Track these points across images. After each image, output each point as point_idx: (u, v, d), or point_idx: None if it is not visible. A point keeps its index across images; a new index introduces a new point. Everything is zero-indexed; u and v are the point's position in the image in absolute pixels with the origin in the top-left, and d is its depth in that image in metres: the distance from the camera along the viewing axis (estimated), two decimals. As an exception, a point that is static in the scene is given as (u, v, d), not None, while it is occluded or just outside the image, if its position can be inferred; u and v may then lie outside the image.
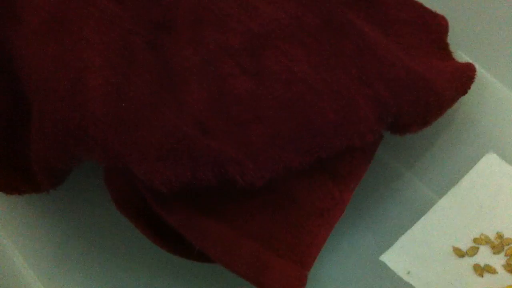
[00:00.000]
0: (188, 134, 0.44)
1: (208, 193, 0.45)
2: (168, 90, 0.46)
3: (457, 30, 0.57)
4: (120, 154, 0.42)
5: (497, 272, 0.49)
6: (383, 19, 0.54)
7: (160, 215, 0.44)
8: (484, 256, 0.50)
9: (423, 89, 0.49)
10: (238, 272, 0.45)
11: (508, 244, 0.50)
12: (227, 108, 0.46)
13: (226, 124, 0.45)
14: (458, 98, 0.53)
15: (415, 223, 0.51)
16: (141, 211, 0.46)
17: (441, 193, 0.52)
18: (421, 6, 0.56)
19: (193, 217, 0.44)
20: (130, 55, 0.46)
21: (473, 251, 0.50)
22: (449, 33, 0.57)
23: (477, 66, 0.54)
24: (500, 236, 0.50)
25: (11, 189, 0.47)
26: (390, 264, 0.49)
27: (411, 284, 0.48)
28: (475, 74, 0.54)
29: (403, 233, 0.50)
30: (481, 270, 0.49)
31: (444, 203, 0.52)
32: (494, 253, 0.50)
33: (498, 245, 0.50)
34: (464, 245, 0.50)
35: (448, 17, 0.57)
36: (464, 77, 0.53)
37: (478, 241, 0.50)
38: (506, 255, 0.50)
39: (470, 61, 0.56)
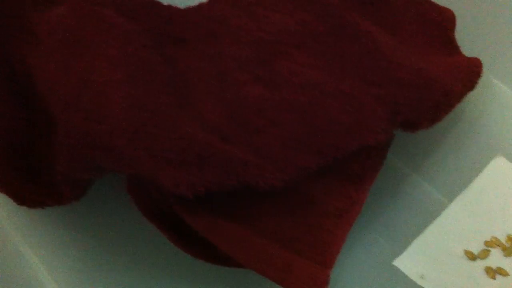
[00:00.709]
0: (209, 141, 0.45)
1: (230, 198, 0.46)
2: (186, 101, 0.48)
3: (461, 33, 0.57)
4: (146, 162, 0.44)
5: (509, 275, 0.50)
6: (391, 20, 0.55)
7: (186, 220, 0.45)
8: (496, 258, 0.50)
9: (432, 87, 0.50)
10: (264, 273, 0.46)
11: (519, 246, 0.51)
12: (243, 115, 0.47)
13: (244, 131, 0.47)
14: (466, 93, 0.54)
15: (426, 227, 0.51)
16: (166, 217, 0.47)
17: (451, 197, 0.53)
18: (428, 2, 0.57)
19: (217, 221, 0.46)
20: (147, 68, 0.48)
21: (484, 254, 0.50)
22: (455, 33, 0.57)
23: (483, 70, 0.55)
24: (510, 238, 0.51)
25: (34, 203, 0.48)
26: (403, 269, 0.50)
27: (424, 288, 0.49)
28: (481, 69, 0.54)
29: (415, 237, 0.51)
30: (493, 272, 0.50)
31: (454, 207, 0.52)
32: (505, 256, 0.50)
33: (509, 247, 0.51)
34: (476, 248, 0.51)
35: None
36: (471, 72, 0.54)
37: (489, 244, 0.51)
38: (517, 257, 0.50)
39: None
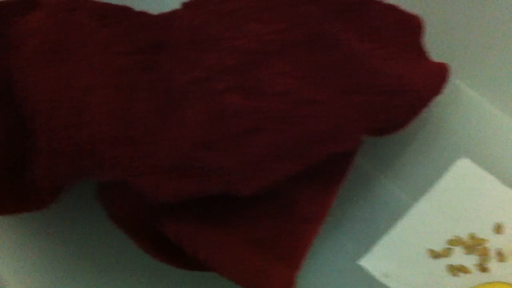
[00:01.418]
0: (190, 148, 0.46)
1: (210, 204, 0.47)
2: (168, 108, 0.49)
3: (429, 39, 0.59)
4: (127, 168, 0.45)
5: (470, 272, 0.52)
6: (369, 26, 0.56)
7: (159, 227, 0.46)
8: (458, 256, 0.52)
9: (404, 93, 0.52)
10: (237, 279, 0.47)
11: (480, 244, 0.52)
12: (225, 122, 0.49)
13: (225, 137, 0.48)
14: (433, 98, 0.55)
15: (391, 227, 0.53)
16: (138, 225, 0.48)
17: (416, 197, 0.54)
18: (396, 8, 0.58)
19: (190, 227, 0.47)
20: (128, 75, 0.49)
21: (447, 252, 0.52)
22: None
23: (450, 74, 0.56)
24: (473, 237, 0.53)
25: (12, 210, 0.49)
26: (369, 268, 0.51)
27: (389, 287, 0.51)
28: (448, 74, 0.56)
29: (380, 237, 0.53)
30: (455, 270, 0.52)
31: (419, 207, 0.54)
32: (467, 254, 0.52)
33: (471, 245, 0.52)
34: (439, 247, 0.52)
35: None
36: (438, 77, 0.55)
37: (452, 242, 0.53)
38: (479, 255, 0.52)
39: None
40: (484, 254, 0.52)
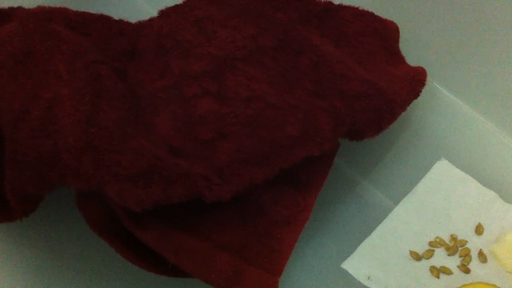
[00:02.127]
0: (157, 155, 0.46)
1: (180, 210, 0.47)
2: (137, 114, 0.49)
3: (404, 41, 0.59)
4: (93, 177, 0.44)
5: (452, 273, 0.52)
6: (336, 32, 0.57)
7: (134, 233, 0.46)
8: (440, 258, 0.52)
9: (375, 97, 0.52)
10: (212, 283, 0.47)
11: (462, 246, 0.53)
12: (193, 128, 0.48)
13: (193, 143, 0.48)
14: (410, 102, 0.56)
15: (373, 230, 0.53)
16: (115, 231, 0.48)
17: (397, 200, 0.55)
18: (371, 15, 0.59)
19: (166, 233, 0.46)
20: (99, 84, 0.49)
21: (429, 254, 0.52)
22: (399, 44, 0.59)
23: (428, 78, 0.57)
24: (454, 238, 0.53)
25: None
26: (351, 271, 0.52)
27: (371, 289, 0.51)
28: (426, 78, 0.57)
29: (362, 240, 0.53)
30: (437, 271, 0.52)
31: (400, 209, 0.54)
32: (449, 255, 0.52)
33: (453, 247, 0.53)
34: (421, 249, 0.53)
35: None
36: (415, 81, 0.56)
37: (434, 244, 0.53)
38: (460, 256, 0.52)
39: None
40: (465, 255, 0.52)
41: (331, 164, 0.52)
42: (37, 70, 0.48)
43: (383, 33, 0.58)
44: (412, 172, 0.56)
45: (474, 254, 0.52)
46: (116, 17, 0.56)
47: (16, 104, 0.46)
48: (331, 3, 0.58)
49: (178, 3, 0.56)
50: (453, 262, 0.52)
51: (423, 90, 0.56)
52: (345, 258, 0.52)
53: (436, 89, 0.60)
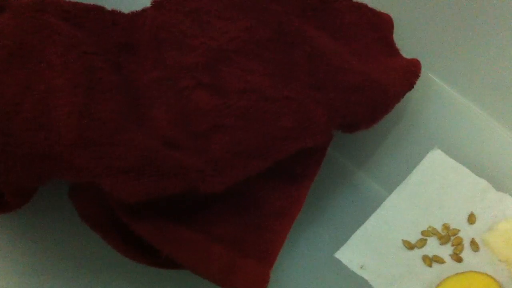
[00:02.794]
0: (151, 146, 0.46)
1: (174, 202, 0.47)
2: (132, 107, 0.49)
3: (400, 36, 0.59)
4: (87, 169, 0.45)
5: (445, 262, 0.52)
6: (332, 24, 0.57)
7: (129, 225, 0.46)
8: (433, 247, 0.53)
9: (370, 89, 0.52)
10: (206, 275, 0.47)
11: (454, 235, 0.53)
12: (188, 121, 0.48)
13: (187, 135, 0.48)
14: (404, 94, 0.56)
15: (367, 219, 0.54)
16: (108, 223, 0.48)
17: (391, 190, 0.55)
18: (365, 7, 0.59)
19: (160, 225, 0.47)
20: (92, 76, 0.49)
21: (421, 243, 0.53)
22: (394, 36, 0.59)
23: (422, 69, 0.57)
24: (446, 227, 0.53)
25: None
26: (344, 260, 0.52)
27: (364, 278, 0.51)
28: (420, 70, 0.56)
29: (356, 230, 0.53)
30: (429, 260, 0.52)
31: (393, 198, 0.55)
32: (441, 244, 0.53)
33: (445, 236, 0.53)
34: (414, 238, 0.53)
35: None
36: (409, 72, 0.56)
37: (426, 233, 0.53)
38: (452, 245, 0.53)
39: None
40: (458, 244, 0.53)
41: (324, 156, 0.52)
42: (29, 61, 0.48)
43: (378, 25, 0.58)
44: (406, 162, 0.56)
45: (466, 243, 0.53)
46: (108, 7, 0.56)
47: (8, 96, 0.46)
48: None
49: (172, -6, 0.56)
50: (445, 251, 0.53)
51: (420, 82, 0.56)
52: (338, 247, 0.53)
53: (430, 79, 0.60)
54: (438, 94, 0.60)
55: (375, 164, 0.57)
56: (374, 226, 0.53)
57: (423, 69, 0.57)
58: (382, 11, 0.59)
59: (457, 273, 0.51)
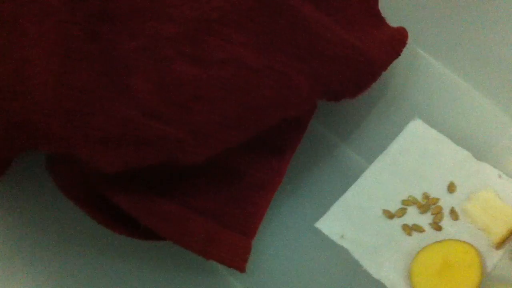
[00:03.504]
0: (130, 116, 0.46)
1: (154, 173, 0.47)
2: (111, 77, 0.48)
3: (385, 6, 0.59)
4: (64, 138, 0.44)
5: (424, 230, 0.53)
6: None
7: (107, 196, 0.46)
8: (412, 216, 0.53)
9: (354, 58, 0.52)
10: (187, 246, 0.47)
11: (434, 204, 0.54)
12: (168, 91, 0.48)
13: (167, 106, 0.48)
14: (391, 61, 0.56)
15: (347, 189, 0.54)
16: (86, 194, 0.48)
17: (372, 160, 0.55)
18: None
19: (139, 196, 0.47)
20: (68, 44, 0.48)
21: (401, 212, 0.53)
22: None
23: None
24: (426, 196, 0.54)
25: None
26: (325, 230, 0.52)
27: (344, 248, 0.52)
28: (407, 37, 0.56)
29: (337, 200, 0.53)
30: (409, 229, 0.53)
31: (373, 168, 0.55)
32: (421, 213, 0.53)
33: (425, 205, 0.53)
34: (394, 207, 0.53)
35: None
36: (395, 40, 0.56)
37: (406, 202, 0.54)
38: (432, 214, 0.53)
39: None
40: (437, 213, 0.53)
41: (306, 128, 0.53)
42: (3, 30, 0.47)
43: None
44: (388, 133, 0.57)
45: (446, 212, 0.53)
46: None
47: None
48: None
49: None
50: (425, 220, 0.53)
51: (405, 55, 0.56)
52: (319, 218, 0.53)
53: (415, 51, 0.60)
54: (424, 66, 0.60)
55: (357, 135, 0.57)
56: (354, 196, 0.54)
57: (412, 43, 0.57)
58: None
59: (436, 242, 0.51)
